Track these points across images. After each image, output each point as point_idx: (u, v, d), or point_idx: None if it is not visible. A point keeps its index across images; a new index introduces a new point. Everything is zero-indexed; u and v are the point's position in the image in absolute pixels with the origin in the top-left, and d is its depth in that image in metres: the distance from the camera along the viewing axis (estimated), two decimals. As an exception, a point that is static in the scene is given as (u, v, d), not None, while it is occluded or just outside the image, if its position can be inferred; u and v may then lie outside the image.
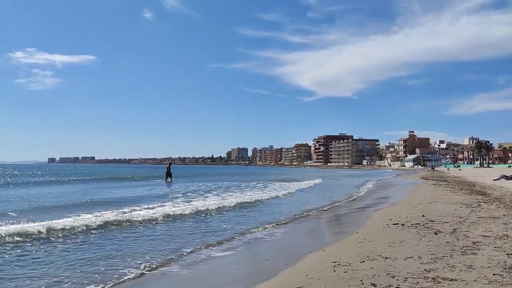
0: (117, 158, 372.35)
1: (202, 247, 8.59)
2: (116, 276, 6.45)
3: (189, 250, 8.24)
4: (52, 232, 9.66)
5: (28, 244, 8.57)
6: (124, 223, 11.39)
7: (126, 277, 6.40)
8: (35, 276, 6.41)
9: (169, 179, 36.76)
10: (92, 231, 10.12)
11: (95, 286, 6.01)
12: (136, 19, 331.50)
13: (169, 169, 37.82)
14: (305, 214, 14.27)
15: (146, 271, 6.77)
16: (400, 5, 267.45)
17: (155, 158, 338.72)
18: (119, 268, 6.91)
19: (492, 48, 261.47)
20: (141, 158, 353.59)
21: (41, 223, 10.36)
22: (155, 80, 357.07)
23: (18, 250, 8.04)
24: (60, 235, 9.55)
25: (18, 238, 8.94)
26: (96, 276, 6.46)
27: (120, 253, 8.01)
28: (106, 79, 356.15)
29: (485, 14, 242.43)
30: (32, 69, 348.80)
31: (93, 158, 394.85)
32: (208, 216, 13.44)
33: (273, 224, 11.71)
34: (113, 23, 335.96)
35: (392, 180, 44.45)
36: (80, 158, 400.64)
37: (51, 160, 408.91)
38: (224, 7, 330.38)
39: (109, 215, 12.65)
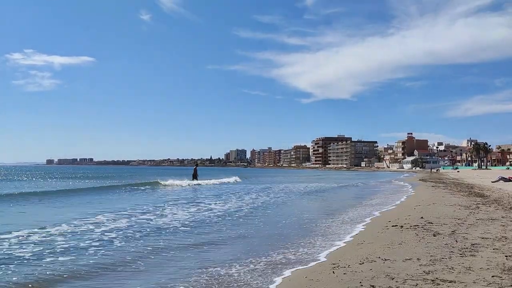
0: (115, 160, 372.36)
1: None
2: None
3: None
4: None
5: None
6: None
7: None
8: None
9: (196, 181, 37.10)
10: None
11: None
12: (134, 21, 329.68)
13: (195, 171, 38.67)
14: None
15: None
16: (397, 7, 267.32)
17: (153, 160, 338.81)
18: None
19: (489, 50, 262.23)
20: (139, 160, 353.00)
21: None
22: (153, 82, 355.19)
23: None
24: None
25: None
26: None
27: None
28: (104, 81, 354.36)
29: (482, 17, 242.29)
30: (30, 70, 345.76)
31: (91, 159, 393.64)
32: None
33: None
34: (111, 24, 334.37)
35: (390, 182, 44.46)
36: (78, 160, 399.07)
37: (50, 161, 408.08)
38: (222, 9, 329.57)
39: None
